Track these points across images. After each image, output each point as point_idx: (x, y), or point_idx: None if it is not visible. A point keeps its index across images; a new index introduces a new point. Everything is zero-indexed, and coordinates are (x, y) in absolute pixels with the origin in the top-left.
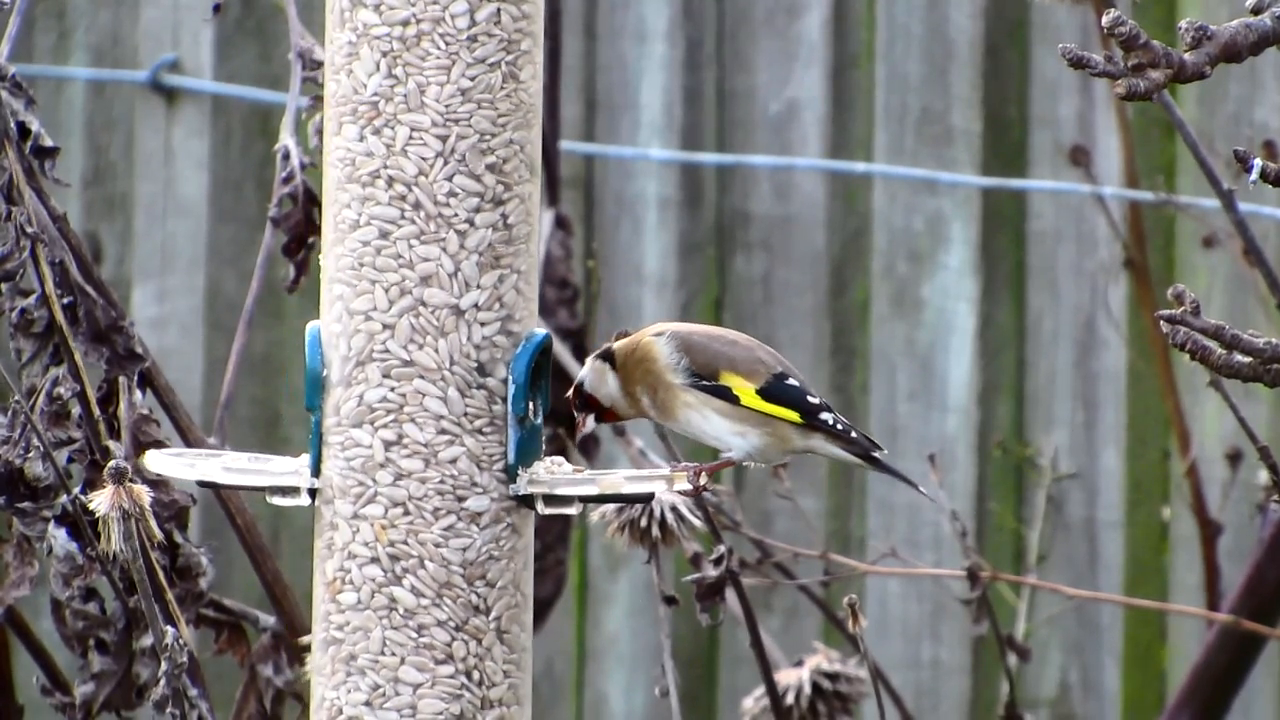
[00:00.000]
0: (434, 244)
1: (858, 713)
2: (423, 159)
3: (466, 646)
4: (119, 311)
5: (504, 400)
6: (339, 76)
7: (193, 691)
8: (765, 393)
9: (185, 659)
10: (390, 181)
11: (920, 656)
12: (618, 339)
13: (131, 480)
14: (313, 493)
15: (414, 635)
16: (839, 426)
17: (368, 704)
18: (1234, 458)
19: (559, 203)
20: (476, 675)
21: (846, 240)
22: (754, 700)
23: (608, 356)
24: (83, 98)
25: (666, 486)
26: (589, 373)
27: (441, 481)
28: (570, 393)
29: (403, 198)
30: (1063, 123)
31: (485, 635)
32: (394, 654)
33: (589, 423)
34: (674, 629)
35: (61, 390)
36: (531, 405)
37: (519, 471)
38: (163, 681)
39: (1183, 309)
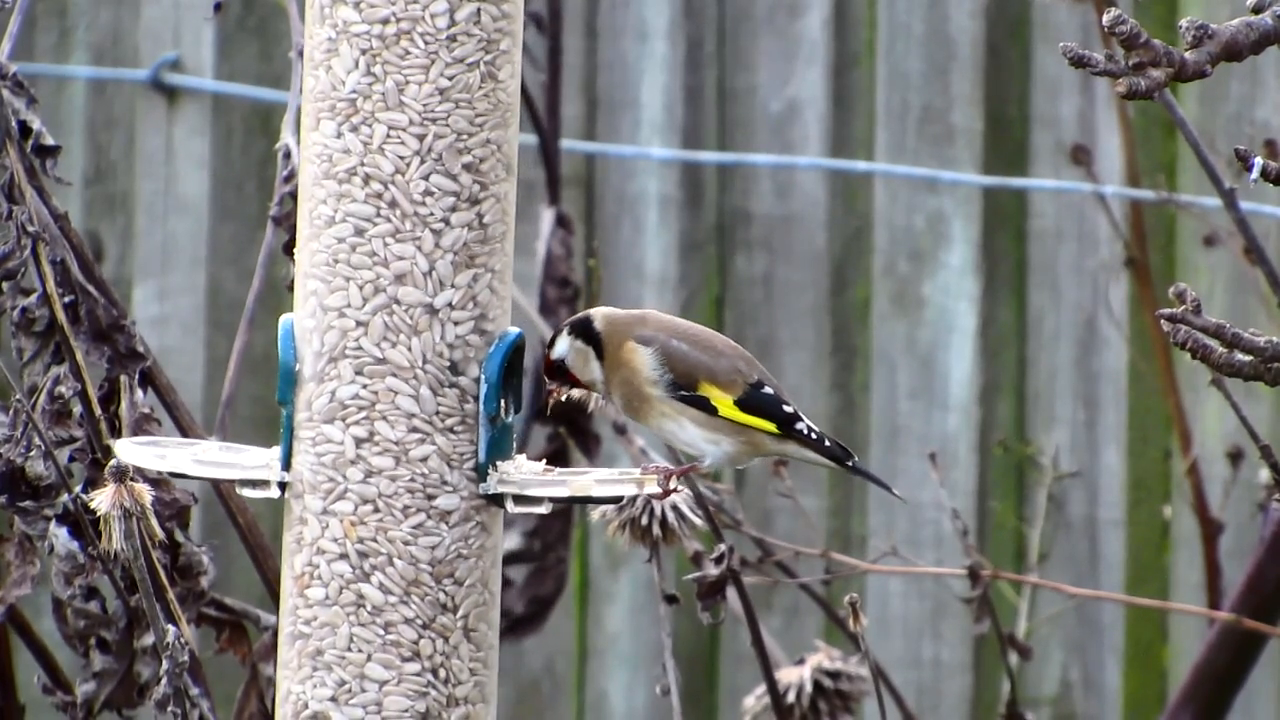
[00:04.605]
0: (409, 242)
1: (859, 711)
2: (400, 157)
3: (433, 644)
4: (120, 310)
5: (476, 399)
6: (318, 72)
7: (194, 690)
8: (743, 403)
9: (186, 658)
10: (366, 179)
11: (921, 655)
12: (596, 316)
13: (133, 479)
14: (283, 486)
15: (381, 632)
16: (813, 435)
17: (333, 699)
18: (1235, 456)
19: (560, 201)
20: (443, 673)
21: (847, 239)
22: (755, 699)
23: (590, 338)
24: (84, 96)
25: (636, 489)
26: (570, 353)
27: (412, 479)
28: (543, 365)
29: (379, 195)
30: (1064, 121)
31: (452, 633)
32: (360, 650)
33: (565, 392)
34: (675, 627)
35: (63, 389)
36: (503, 404)
37: (489, 470)
38: (164, 680)
39: (1184, 308)
